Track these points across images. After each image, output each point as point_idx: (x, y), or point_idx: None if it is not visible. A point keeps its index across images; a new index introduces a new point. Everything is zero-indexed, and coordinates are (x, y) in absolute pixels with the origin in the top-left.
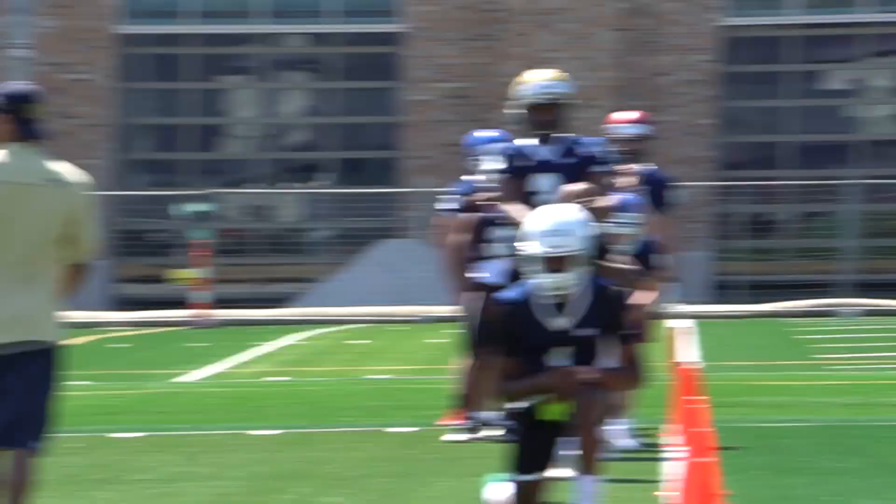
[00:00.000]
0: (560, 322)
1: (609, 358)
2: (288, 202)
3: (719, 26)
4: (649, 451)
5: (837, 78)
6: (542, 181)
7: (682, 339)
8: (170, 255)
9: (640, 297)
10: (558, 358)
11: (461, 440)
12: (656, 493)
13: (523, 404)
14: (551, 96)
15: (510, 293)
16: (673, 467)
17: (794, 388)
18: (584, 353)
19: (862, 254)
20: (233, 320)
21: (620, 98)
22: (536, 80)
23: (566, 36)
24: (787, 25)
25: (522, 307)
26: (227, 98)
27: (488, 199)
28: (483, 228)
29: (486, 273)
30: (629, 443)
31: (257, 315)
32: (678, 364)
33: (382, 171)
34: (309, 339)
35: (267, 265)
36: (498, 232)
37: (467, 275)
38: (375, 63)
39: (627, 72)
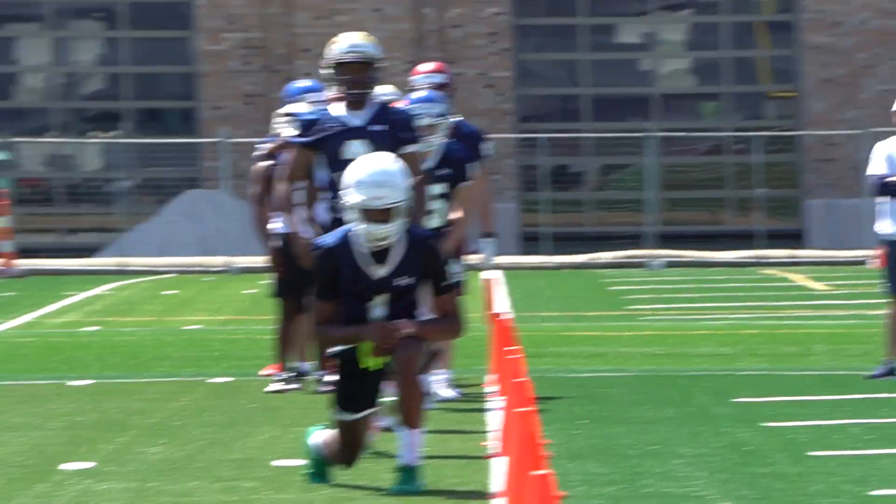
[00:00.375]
0: (378, 271)
1: (427, 307)
2: (88, 152)
3: None
4: (474, 401)
5: (631, 32)
6: (353, 147)
7: (496, 291)
8: None
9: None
10: (377, 306)
11: (280, 390)
12: (483, 443)
13: (344, 348)
14: (358, 55)
15: (330, 238)
16: (495, 417)
17: (608, 339)
18: (402, 301)
19: (662, 206)
20: (38, 270)
21: (416, 50)
22: (345, 41)
23: None
24: None
25: (342, 253)
26: (19, 46)
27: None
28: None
29: (278, 223)
30: (450, 393)
31: (63, 265)
32: (495, 315)
33: (181, 122)
34: (117, 289)
35: (69, 215)
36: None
37: (267, 225)
38: (169, 12)
39: (421, 24)
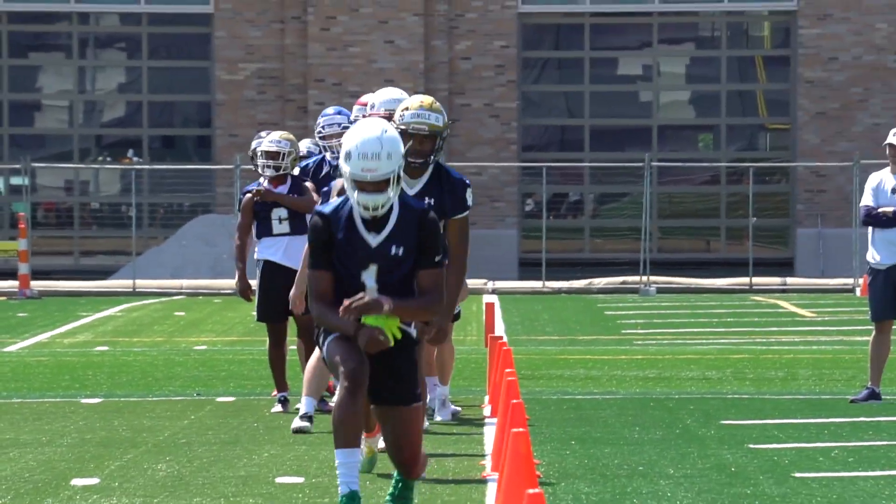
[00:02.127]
0: (373, 238)
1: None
2: (105, 177)
3: (516, 13)
4: (471, 423)
5: (631, 64)
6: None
7: (494, 314)
8: None
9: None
10: (370, 275)
11: (280, 411)
12: (481, 462)
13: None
14: (422, 126)
15: (328, 206)
16: (490, 437)
17: (602, 362)
18: (396, 272)
19: (658, 233)
20: (53, 291)
21: (426, 81)
22: (414, 107)
23: (370, 19)
24: (579, 13)
25: (337, 218)
26: (42, 74)
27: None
28: (260, 210)
29: (266, 251)
30: (446, 412)
31: (76, 287)
32: (493, 338)
33: (197, 148)
34: (127, 310)
35: (85, 238)
36: (277, 212)
37: (240, 257)
38: (189, 43)
39: (431, 56)
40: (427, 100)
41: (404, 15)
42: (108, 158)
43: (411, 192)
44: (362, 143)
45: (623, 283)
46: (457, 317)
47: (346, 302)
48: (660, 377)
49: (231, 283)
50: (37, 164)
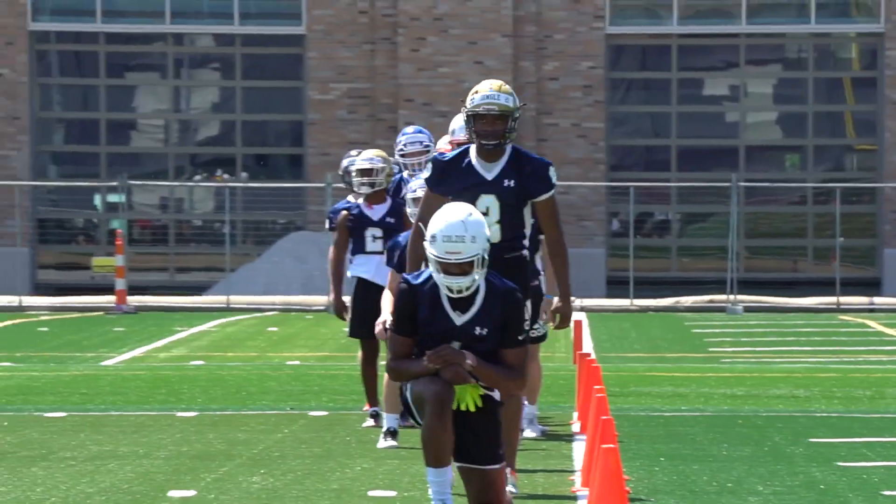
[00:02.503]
0: (458, 317)
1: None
2: (199, 194)
3: (604, 34)
4: (560, 439)
5: (719, 85)
6: (483, 201)
7: (582, 332)
8: (88, 243)
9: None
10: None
11: (372, 426)
12: (571, 477)
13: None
14: (492, 107)
15: (416, 276)
16: (579, 454)
17: (690, 380)
18: (476, 347)
19: (744, 253)
20: (148, 307)
21: None
22: (481, 92)
23: (459, 41)
24: (666, 35)
25: (424, 292)
26: (138, 94)
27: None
28: (354, 228)
29: (359, 269)
30: (535, 430)
31: (171, 302)
32: (582, 355)
33: (289, 167)
34: (221, 325)
35: (180, 254)
36: (371, 230)
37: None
38: (282, 63)
39: (519, 76)
40: (497, 83)
41: (493, 36)
42: (203, 175)
43: (490, 175)
44: (447, 227)
45: (710, 301)
46: (543, 337)
47: (432, 351)
48: (748, 395)
49: (322, 299)
50: (133, 182)
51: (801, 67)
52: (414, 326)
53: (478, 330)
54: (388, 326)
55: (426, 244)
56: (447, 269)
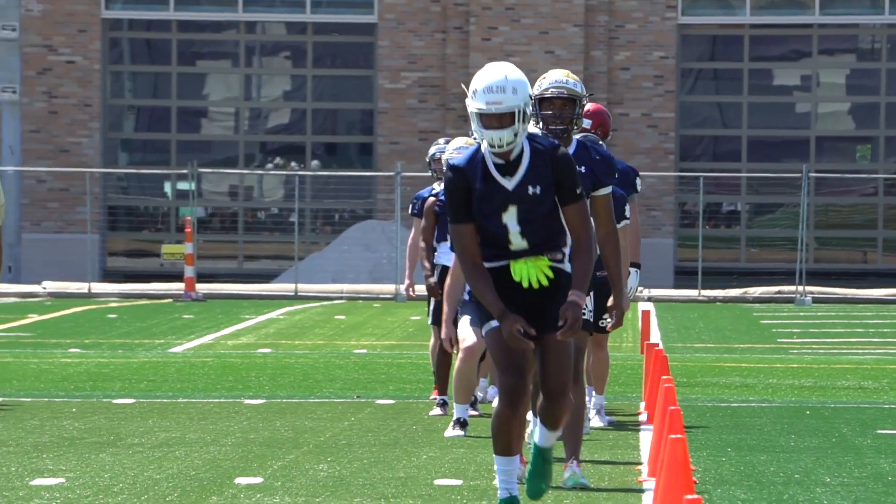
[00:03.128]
0: (508, 182)
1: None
2: (269, 182)
3: (676, 24)
4: (627, 428)
5: (789, 75)
6: None
7: (650, 322)
8: (158, 230)
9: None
10: (509, 218)
11: (440, 414)
12: (637, 467)
13: (493, 266)
14: (561, 90)
15: (458, 159)
16: (646, 444)
17: (758, 370)
18: (536, 213)
19: (814, 244)
20: (217, 294)
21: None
22: (549, 78)
23: (531, 30)
24: (738, 25)
25: (472, 168)
26: (210, 82)
27: None
28: (440, 214)
29: (443, 257)
30: (603, 420)
31: (240, 290)
32: (650, 345)
33: (360, 155)
34: (289, 314)
35: (249, 242)
36: None
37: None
38: (353, 52)
39: (590, 66)
40: (564, 71)
41: (565, 25)
42: (275, 163)
43: None
44: (488, 79)
45: (778, 292)
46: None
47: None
48: (815, 386)
49: (390, 287)
50: (203, 170)
51: (874, 58)
52: (470, 209)
53: (531, 189)
54: (448, 221)
55: (468, 101)
56: (488, 121)
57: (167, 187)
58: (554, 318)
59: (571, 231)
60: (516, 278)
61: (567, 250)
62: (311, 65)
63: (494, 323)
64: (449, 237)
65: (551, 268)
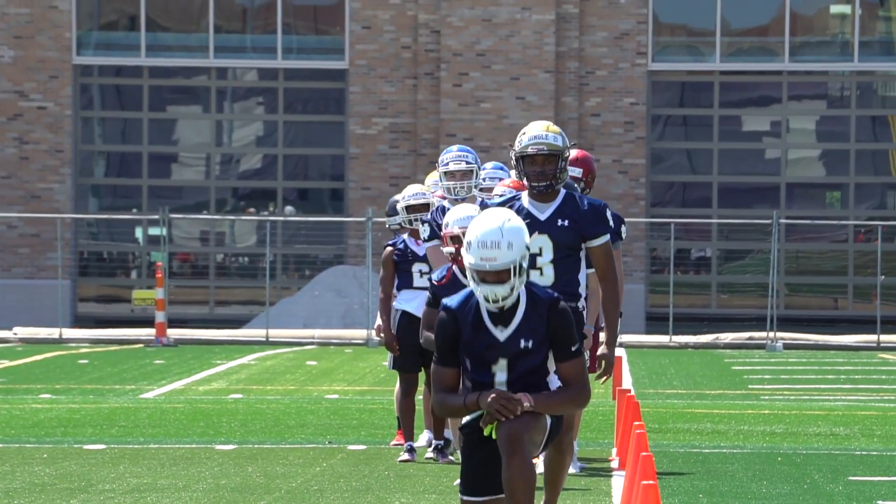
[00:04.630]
0: (500, 333)
1: (552, 375)
2: (241, 228)
3: (646, 70)
4: (599, 474)
5: (760, 121)
6: (536, 241)
7: (622, 367)
8: (129, 276)
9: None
10: (500, 370)
11: (408, 460)
12: None
13: (470, 419)
14: (541, 146)
15: (453, 299)
16: (618, 490)
17: (729, 417)
18: (526, 365)
19: (785, 290)
20: (188, 339)
21: None
22: (529, 133)
23: (501, 76)
24: (709, 72)
25: (464, 314)
26: (180, 127)
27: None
28: (400, 262)
29: (405, 303)
30: (575, 466)
31: (211, 335)
32: (621, 391)
33: (331, 201)
34: (261, 359)
35: (220, 287)
36: (418, 265)
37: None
38: (324, 97)
39: (561, 112)
40: (544, 123)
41: (536, 71)
42: (251, 209)
43: (542, 215)
44: (482, 233)
45: (750, 338)
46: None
47: (490, 394)
48: (787, 432)
49: (362, 332)
50: (174, 216)
51: (844, 105)
52: (457, 354)
53: (522, 343)
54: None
55: (463, 252)
56: (483, 277)
57: (138, 232)
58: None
59: (565, 386)
60: (487, 433)
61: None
62: (283, 110)
63: (471, 498)
64: (414, 284)
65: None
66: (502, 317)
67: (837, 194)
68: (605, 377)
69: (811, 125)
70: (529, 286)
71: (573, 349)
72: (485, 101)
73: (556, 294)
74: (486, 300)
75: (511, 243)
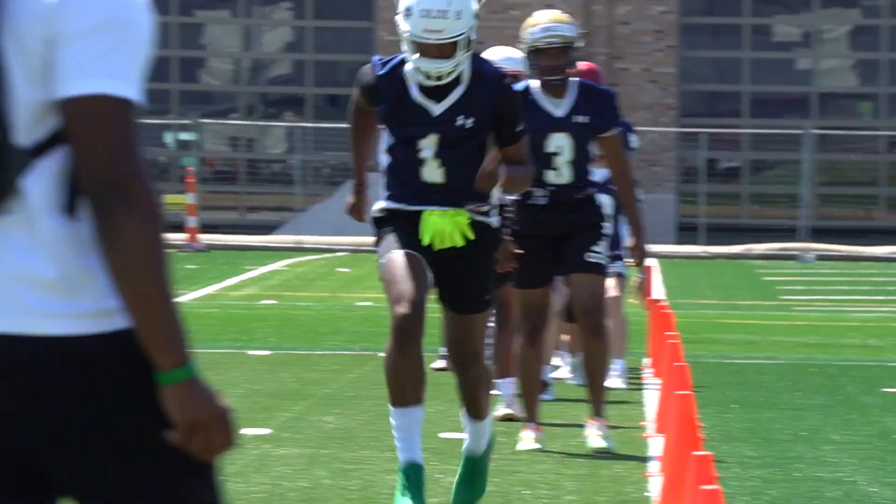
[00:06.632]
0: (433, 107)
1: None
2: (270, 134)
3: None
4: (631, 385)
5: (792, 31)
6: (555, 141)
7: (654, 278)
8: (159, 180)
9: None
10: (429, 147)
11: (443, 368)
12: (643, 423)
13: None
14: (555, 38)
15: (381, 62)
16: (652, 401)
17: (762, 328)
18: (459, 144)
19: (816, 201)
20: (219, 245)
21: (585, 46)
22: (539, 23)
23: None
24: None
25: (390, 81)
26: (209, 32)
27: None
28: None
29: None
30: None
31: (242, 241)
32: (653, 301)
33: None
34: (292, 265)
35: (249, 194)
36: None
37: None
38: (353, 3)
39: (590, 20)
40: (553, 12)
41: None
42: (274, 115)
43: (559, 112)
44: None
45: (782, 249)
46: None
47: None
48: (820, 343)
49: None
50: (205, 121)
51: (876, 14)
52: (391, 117)
53: (460, 120)
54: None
55: (399, 19)
56: (425, 50)
57: (168, 137)
58: (472, 294)
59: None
60: (423, 236)
61: (495, 201)
62: (312, 16)
63: (392, 254)
64: None
65: (473, 224)
66: (436, 89)
67: (870, 105)
68: (639, 264)
69: (843, 35)
70: (475, 58)
71: (518, 130)
72: (514, 7)
73: (501, 68)
74: (427, 76)
75: (460, 11)
